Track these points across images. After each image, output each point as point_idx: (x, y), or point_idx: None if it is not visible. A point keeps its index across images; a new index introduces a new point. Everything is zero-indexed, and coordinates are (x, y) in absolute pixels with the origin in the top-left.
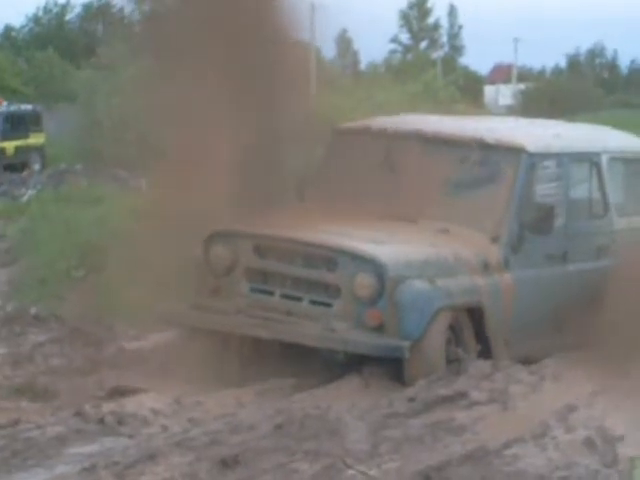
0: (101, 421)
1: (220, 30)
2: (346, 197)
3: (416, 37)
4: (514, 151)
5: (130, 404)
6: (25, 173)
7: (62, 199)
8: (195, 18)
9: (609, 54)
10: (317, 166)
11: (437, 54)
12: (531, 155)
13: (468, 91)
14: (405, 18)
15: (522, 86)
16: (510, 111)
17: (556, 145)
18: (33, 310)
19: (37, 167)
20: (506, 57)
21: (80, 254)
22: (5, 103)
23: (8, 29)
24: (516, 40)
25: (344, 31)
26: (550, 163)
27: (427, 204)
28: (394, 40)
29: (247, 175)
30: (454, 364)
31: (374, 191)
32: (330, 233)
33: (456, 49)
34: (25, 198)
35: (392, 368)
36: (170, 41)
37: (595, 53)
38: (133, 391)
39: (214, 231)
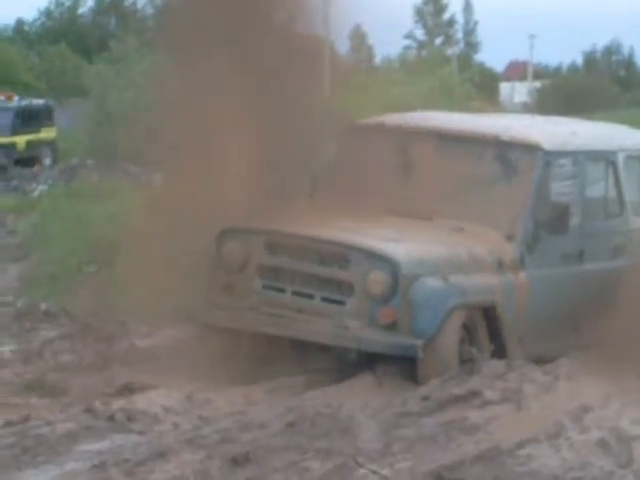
0: (111, 418)
1: (234, 24)
2: (360, 194)
3: (431, 33)
4: (530, 149)
5: (140, 401)
6: (36, 168)
7: (73, 194)
8: (208, 11)
9: (626, 51)
10: (331, 162)
11: (452, 50)
12: (547, 153)
13: (483, 88)
14: (420, 14)
15: (538, 83)
16: (526, 108)
17: (572, 143)
18: (44, 306)
19: (48, 162)
20: (522, 54)
21: (91, 250)
22: (17, 98)
23: (20, 23)
24: (532, 37)
25: (358, 26)
26: (566, 161)
27: (441, 201)
28: (409, 36)
29: (260, 171)
30: (468, 363)
31: (388, 188)
32: (343, 230)
33: (471, 45)
34: (36, 193)
35: (405, 366)
36: (183, 34)
37: (612, 50)
38: (143, 388)
39: (226, 227)
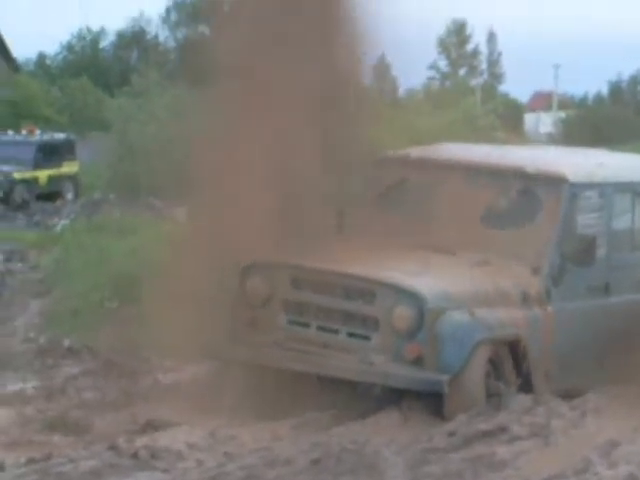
0: (135, 455)
1: (257, 57)
2: (385, 228)
3: (455, 64)
4: (555, 181)
5: (164, 438)
6: (58, 202)
7: (96, 229)
8: (231, 45)
9: None
10: (356, 196)
11: (476, 81)
12: (573, 185)
13: (508, 119)
14: (443, 45)
15: (563, 114)
16: (551, 139)
17: (598, 175)
18: (66, 342)
19: (70, 196)
20: (546, 84)
21: (114, 285)
22: (38, 132)
23: (42, 57)
24: (556, 66)
25: (382, 57)
26: (592, 193)
27: (467, 235)
28: (432, 67)
29: (284, 204)
30: (494, 398)
31: (413, 221)
32: (369, 265)
33: (495, 76)
34: (58, 228)
35: (431, 402)
36: (206, 68)
37: (637, 80)
38: (167, 424)
39: (250, 262)
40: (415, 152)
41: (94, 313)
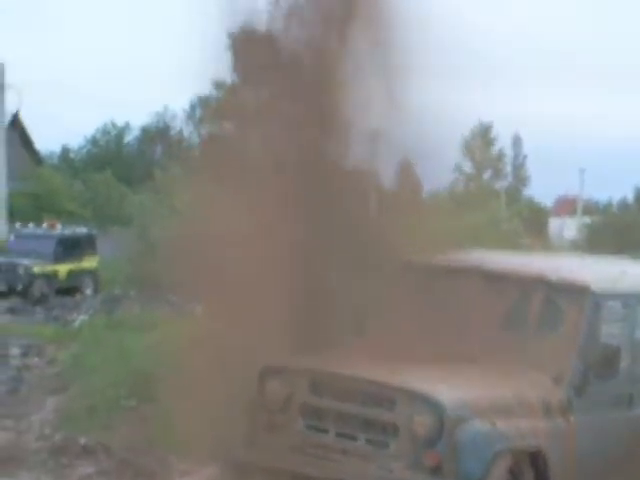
0: None
1: (280, 156)
2: (405, 333)
3: (479, 167)
4: (578, 290)
5: None
6: (77, 297)
7: (114, 325)
8: (255, 143)
9: None
10: (376, 299)
11: (501, 184)
12: (596, 295)
13: (532, 223)
14: (468, 147)
15: (588, 219)
16: (575, 245)
17: (622, 285)
18: (82, 440)
19: (90, 291)
20: (572, 188)
21: (131, 382)
22: (60, 226)
23: (66, 150)
24: (582, 171)
25: (406, 158)
26: (615, 303)
27: (488, 342)
28: (457, 169)
29: (303, 306)
30: None
31: (434, 327)
32: (388, 371)
33: (520, 179)
34: (77, 323)
35: None
36: (230, 164)
37: None
38: None
39: (268, 365)
40: (438, 257)
41: (111, 411)
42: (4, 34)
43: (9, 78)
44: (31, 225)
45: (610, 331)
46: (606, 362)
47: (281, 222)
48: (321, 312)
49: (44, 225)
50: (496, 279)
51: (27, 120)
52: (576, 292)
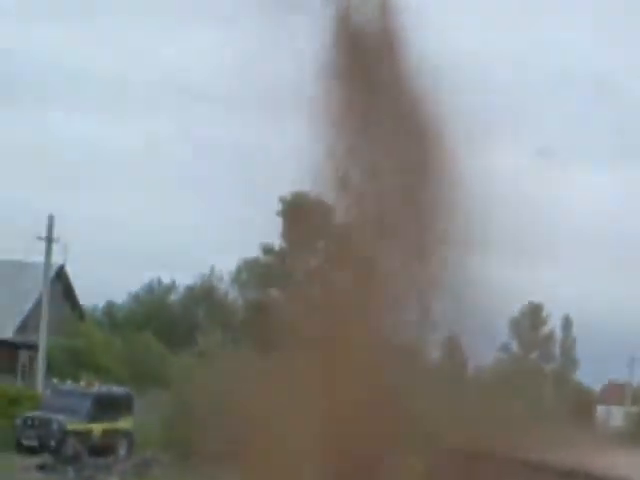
0: None
1: (326, 329)
2: None
3: (527, 347)
4: None
5: None
6: (111, 458)
7: None
8: (301, 312)
9: None
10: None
11: (549, 366)
12: None
13: (580, 407)
14: (516, 326)
15: (635, 408)
16: (619, 434)
17: None
18: None
19: (123, 452)
20: (621, 373)
21: None
22: (97, 384)
23: (110, 305)
24: (632, 360)
25: (453, 333)
26: None
27: None
28: (504, 349)
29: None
30: None
31: None
32: None
33: (569, 362)
34: None
35: None
36: (272, 334)
37: None
38: None
39: None
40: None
41: None
42: (54, 189)
43: (57, 231)
44: (69, 382)
45: None
46: None
47: (325, 396)
48: None
49: (82, 383)
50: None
51: (72, 273)
52: None
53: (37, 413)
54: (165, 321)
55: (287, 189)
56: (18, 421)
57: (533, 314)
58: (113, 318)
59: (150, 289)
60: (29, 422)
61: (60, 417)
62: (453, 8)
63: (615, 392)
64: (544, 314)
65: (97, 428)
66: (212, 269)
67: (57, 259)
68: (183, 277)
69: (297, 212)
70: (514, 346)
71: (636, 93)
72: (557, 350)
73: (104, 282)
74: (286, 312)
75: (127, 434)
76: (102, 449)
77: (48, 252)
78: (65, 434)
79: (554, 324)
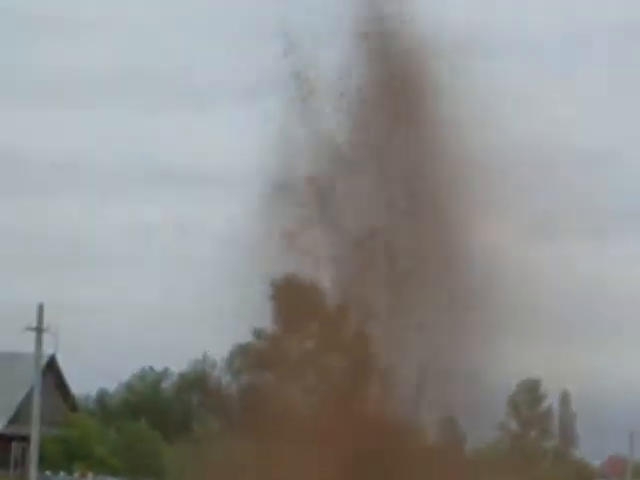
0: None
1: (320, 412)
2: None
3: (525, 424)
4: None
5: None
6: None
7: None
8: (295, 395)
9: None
10: None
11: (548, 444)
12: None
13: None
14: (514, 404)
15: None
16: None
17: None
18: None
19: None
20: (622, 447)
21: None
22: (91, 475)
23: (102, 394)
24: (631, 434)
25: (450, 412)
26: None
27: None
28: (502, 426)
29: None
30: None
31: None
32: None
33: (568, 439)
34: None
35: None
36: (267, 417)
37: None
38: None
39: None
40: None
41: None
42: (42, 277)
43: (47, 320)
44: (61, 473)
45: None
46: None
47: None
48: None
49: (75, 474)
50: None
51: (63, 363)
52: None
53: None
54: (158, 408)
55: (278, 272)
56: None
57: (531, 390)
58: (106, 407)
59: (142, 377)
60: None
61: None
62: None
63: (616, 467)
64: (542, 390)
65: None
66: (205, 355)
67: (48, 350)
68: (174, 364)
69: (289, 295)
70: (513, 424)
71: None
72: (556, 426)
73: (96, 371)
74: (280, 396)
75: None
76: None
77: (38, 342)
78: None
79: (552, 400)
